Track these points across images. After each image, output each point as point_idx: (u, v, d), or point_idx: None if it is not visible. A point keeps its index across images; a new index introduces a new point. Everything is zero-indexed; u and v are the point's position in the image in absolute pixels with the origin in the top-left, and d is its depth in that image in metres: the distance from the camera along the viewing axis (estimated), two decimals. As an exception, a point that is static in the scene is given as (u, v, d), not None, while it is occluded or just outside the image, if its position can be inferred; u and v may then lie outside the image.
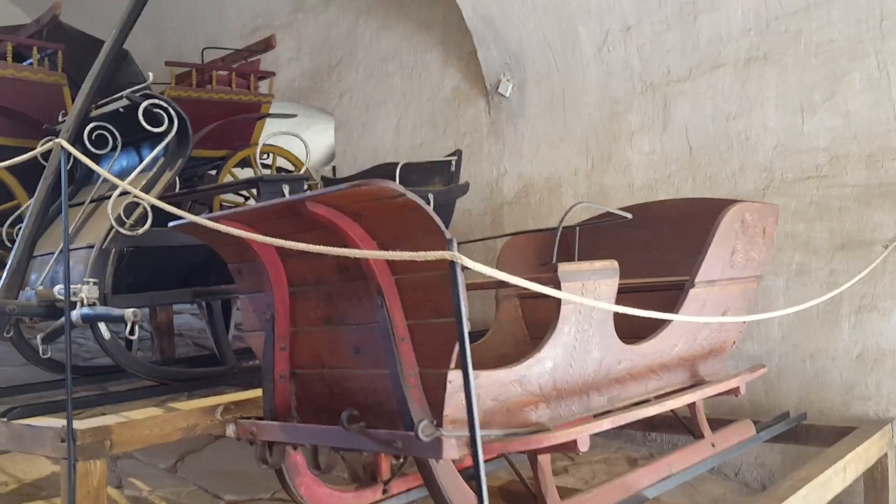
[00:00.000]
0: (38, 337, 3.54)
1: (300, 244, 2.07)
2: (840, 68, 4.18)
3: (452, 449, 2.15)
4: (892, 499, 3.82)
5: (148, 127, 3.65)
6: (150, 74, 3.79)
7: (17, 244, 3.72)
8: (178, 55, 8.03)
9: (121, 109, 3.82)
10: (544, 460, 2.63)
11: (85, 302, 3.26)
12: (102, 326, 3.35)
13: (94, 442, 2.79)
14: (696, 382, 3.36)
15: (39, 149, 2.97)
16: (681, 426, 3.57)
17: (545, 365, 2.57)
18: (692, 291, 3.14)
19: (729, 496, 4.34)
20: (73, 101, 5.33)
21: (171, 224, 2.65)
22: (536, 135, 5.53)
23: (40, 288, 3.66)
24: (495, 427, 2.44)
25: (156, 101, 3.67)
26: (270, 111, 6.63)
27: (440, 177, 5.02)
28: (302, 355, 2.69)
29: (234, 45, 7.39)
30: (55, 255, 3.77)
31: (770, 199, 4.34)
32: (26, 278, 3.79)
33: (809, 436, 4.04)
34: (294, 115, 6.72)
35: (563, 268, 2.54)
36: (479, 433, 1.74)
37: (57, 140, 2.77)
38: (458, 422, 2.31)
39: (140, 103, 3.65)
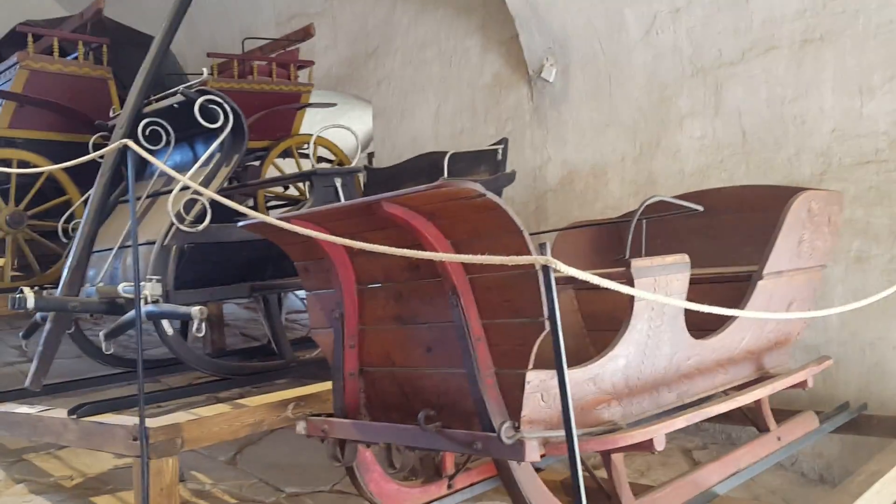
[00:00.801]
0: (101, 333, 3.58)
1: (381, 247, 2.05)
2: (901, 49, 4.07)
3: (534, 450, 2.14)
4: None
5: (204, 123, 3.65)
6: (205, 70, 3.79)
7: (76, 241, 3.76)
8: (213, 46, 8.03)
9: (175, 105, 3.82)
10: (618, 459, 2.61)
11: (149, 299, 3.28)
12: (166, 323, 3.37)
13: (166, 439, 2.82)
14: (762, 375, 3.32)
15: (109, 148, 2.97)
16: (743, 418, 3.52)
17: (618, 362, 2.54)
18: (760, 283, 3.08)
19: (787, 487, 4.29)
20: (118, 95, 5.37)
21: (240, 223, 2.65)
22: (581, 120, 5.47)
23: (101, 285, 3.69)
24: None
25: (212, 96, 3.66)
26: (310, 100, 6.62)
27: (486, 165, 4.98)
28: (371, 353, 2.69)
29: (269, 35, 7.38)
30: (114, 251, 3.80)
31: (827, 184, 4.25)
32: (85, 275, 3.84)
33: (871, 426, 3.97)
34: (334, 105, 6.72)
35: (636, 263, 2.51)
36: (575, 435, 1.73)
37: (124, 140, 2.77)
38: (536, 422, 2.30)
39: (196, 99, 3.65)
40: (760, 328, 3.21)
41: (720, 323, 3.05)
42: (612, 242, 4.32)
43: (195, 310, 3.03)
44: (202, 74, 5.90)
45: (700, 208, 3.17)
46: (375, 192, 4.52)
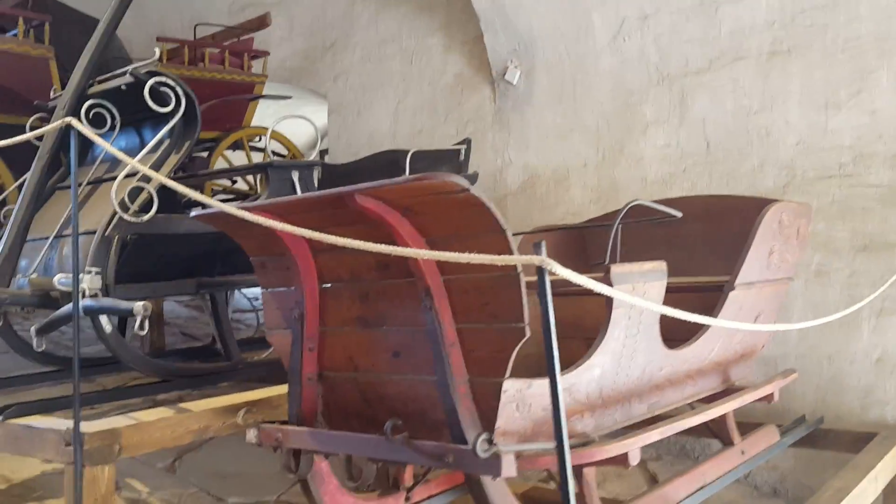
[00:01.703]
0: (32, 329, 3.31)
1: (357, 242, 1.89)
2: (867, 65, 4.08)
3: (511, 465, 2.00)
4: (915, 507, 3.75)
5: (154, 106, 3.41)
6: (157, 50, 3.56)
7: (8, 229, 3.49)
8: (162, 31, 7.70)
9: (123, 87, 3.57)
10: (589, 473, 2.49)
11: (87, 293, 3.04)
12: (104, 319, 3.13)
13: (103, 445, 2.60)
14: (728, 387, 3.26)
15: (50, 127, 2.73)
16: (704, 430, 3.45)
17: (593, 372, 2.43)
18: (732, 294, 3.01)
19: (741, 500, 4.26)
20: (59, 76, 5.06)
21: (194, 213, 2.45)
22: (544, 124, 5.37)
23: (34, 276, 3.43)
24: (545, 438, 2.29)
25: (163, 78, 3.43)
26: (264, 92, 6.39)
27: (448, 165, 4.84)
28: (332, 357, 2.51)
29: (222, 23, 7.11)
30: (49, 240, 3.53)
31: (790, 197, 4.24)
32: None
33: (828, 440, 3.95)
34: (289, 97, 6.51)
35: (615, 269, 2.40)
36: (567, 452, 1.59)
37: (68, 119, 2.54)
38: (510, 434, 2.16)
39: (146, 81, 3.41)
40: (729, 339, 3.14)
41: (689, 334, 2.97)
42: (576, 248, 4.23)
43: (138, 305, 2.80)
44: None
45: (679, 214, 3.10)
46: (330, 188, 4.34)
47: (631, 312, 2.48)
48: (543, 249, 1.60)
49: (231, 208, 2.22)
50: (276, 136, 6.33)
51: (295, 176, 3.85)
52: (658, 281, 2.57)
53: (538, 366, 2.40)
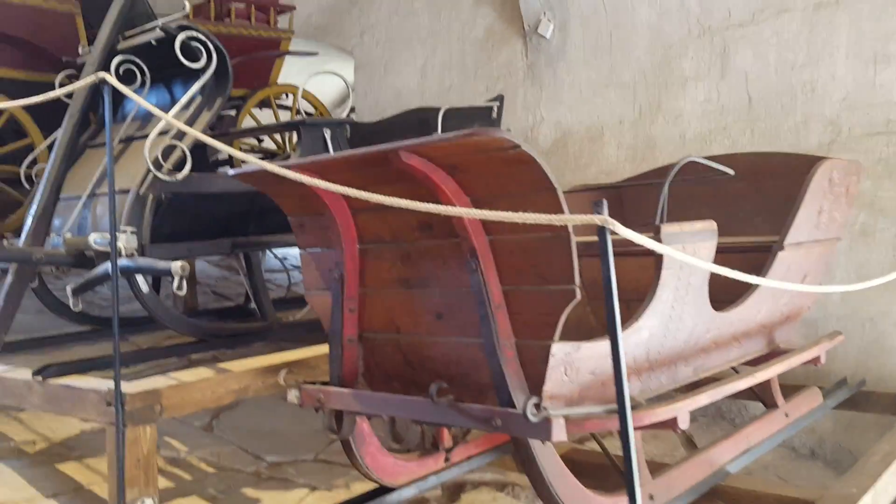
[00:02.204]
0: (69, 288, 3.30)
1: (404, 201, 1.82)
2: (921, 16, 3.91)
3: (561, 429, 1.95)
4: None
5: (185, 62, 3.35)
6: (187, 3, 3.47)
7: (41, 187, 3.46)
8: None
9: (153, 42, 3.50)
10: (636, 436, 2.44)
11: (124, 253, 3.01)
12: (140, 279, 3.11)
13: (144, 406, 2.59)
14: (773, 350, 3.18)
15: (81, 83, 2.67)
16: (747, 393, 3.39)
17: (641, 335, 2.37)
18: (781, 254, 2.92)
19: (779, 463, 4.21)
20: (86, 32, 5.00)
21: (232, 172, 2.40)
22: (578, 80, 5.24)
23: (68, 235, 3.41)
24: (590, 401, 2.24)
25: (194, 33, 3.36)
26: (290, 48, 6.30)
27: (480, 123, 4.74)
28: (372, 318, 2.47)
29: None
30: (83, 199, 3.51)
31: (835, 154, 4.10)
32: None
33: (869, 403, 3.88)
34: (316, 53, 6.41)
35: (666, 229, 2.32)
36: (629, 415, 1.55)
37: (101, 74, 2.48)
38: (557, 398, 2.11)
39: (176, 35, 3.34)
40: (776, 301, 3.06)
41: (734, 297, 2.89)
42: (614, 208, 4.13)
43: (176, 265, 2.77)
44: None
45: (732, 172, 2.99)
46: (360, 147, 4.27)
47: (680, 273, 2.40)
48: (605, 208, 1.53)
49: (271, 165, 2.16)
50: (304, 94, 6.24)
51: (327, 134, 3.79)
52: (709, 241, 2.49)
53: (576, 328, 2.35)
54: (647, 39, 4.88)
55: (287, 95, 6.45)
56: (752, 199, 3.64)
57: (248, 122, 6.01)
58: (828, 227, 3.22)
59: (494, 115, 4.72)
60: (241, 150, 5.97)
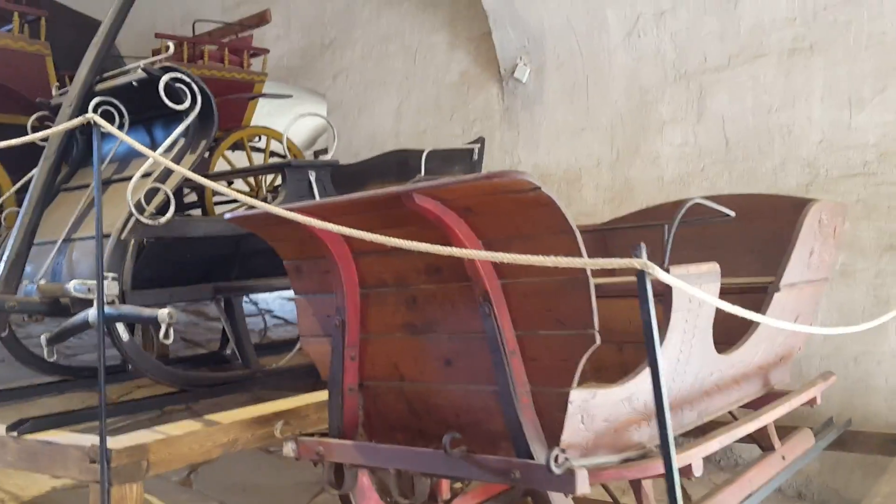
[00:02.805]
0: (43, 337, 3.15)
1: (424, 245, 1.77)
2: (893, 62, 4.02)
3: (585, 481, 1.88)
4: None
5: (170, 103, 3.27)
6: (171, 45, 3.40)
7: (14, 232, 3.32)
8: (152, 30, 7.52)
9: (134, 83, 3.42)
10: (648, 485, 2.38)
11: (105, 300, 2.88)
12: (120, 327, 2.98)
13: (131, 462, 2.45)
14: (768, 391, 3.17)
15: (68, 124, 2.57)
16: (746, 436, 3.36)
17: (651, 380, 2.32)
18: (777, 295, 2.92)
19: (769, 504, 4.16)
20: (55, 73, 4.89)
21: (230, 215, 2.32)
22: (555, 123, 5.27)
23: (43, 282, 3.26)
24: (604, 449, 2.19)
25: (178, 74, 3.29)
26: (263, 91, 6.23)
27: (461, 165, 4.73)
28: (374, 366, 2.39)
29: (216, 20, 6.93)
30: (58, 244, 3.37)
31: (813, 195, 4.16)
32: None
33: (856, 443, 3.88)
34: (290, 96, 6.35)
35: (675, 271, 2.29)
36: (675, 465, 1.48)
37: (89, 115, 2.39)
38: (573, 447, 2.05)
39: (160, 76, 3.26)
40: (772, 342, 3.06)
41: (729, 339, 2.87)
42: (596, 250, 4.12)
43: (163, 313, 2.66)
44: (146, 57, 5.42)
45: (733, 214, 3.00)
46: (339, 190, 4.20)
47: (688, 316, 2.38)
48: (644, 252, 1.49)
49: (276, 209, 2.09)
50: (278, 136, 6.17)
51: (312, 176, 3.72)
52: (713, 283, 2.47)
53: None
54: (623, 83, 4.94)
55: (260, 138, 6.36)
56: (738, 240, 3.66)
57: (221, 164, 5.90)
58: (818, 267, 3.24)
59: (476, 156, 4.71)
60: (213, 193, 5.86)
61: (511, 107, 5.52)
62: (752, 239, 3.60)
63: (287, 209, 2.08)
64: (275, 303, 6.95)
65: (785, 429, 3.52)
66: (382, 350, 2.36)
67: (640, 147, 4.89)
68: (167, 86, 3.28)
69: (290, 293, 6.00)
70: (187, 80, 3.31)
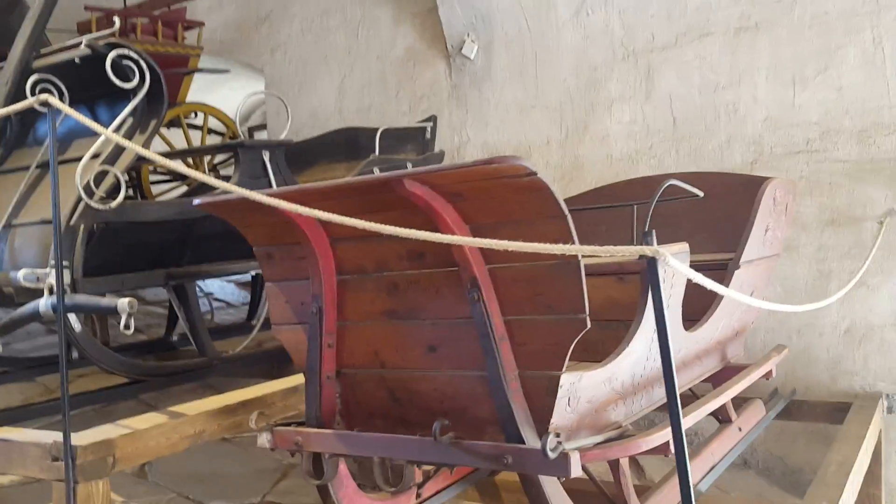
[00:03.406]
0: (-14, 329, 2.98)
1: (424, 233, 1.73)
2: (834, 41, 4.15)
3: (578, 464, 1.89)
4: (886, 471, 3.89)
5: (118, 82, 3.10)
6: (117, 20, 3.23)
7: (-50, 218, 3.11)
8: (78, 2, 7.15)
9: (77, 60, 3.23)
10: (625, 463, 2.42)
11: (54, 289, 2.74)
12: (72, 317, 2.83)
13: (96, 459, 2.34)
14: (725, 365, 3.26)
15: (21, 104, 2.41)
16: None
17: (629, 359, 2.35)
18: (737, 272, 2.99)
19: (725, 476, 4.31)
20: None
21: (197, 200, 2.22)
22: (504, 101, 5.26)
23: (-16, 271, 3.08)
24: (585, 430, 2.21)
25: (126, 51, 3.12)
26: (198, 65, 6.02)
27: (413, 144, 4.68)
28: (353, 353, 2.34)
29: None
30: (-3, 230, 3.19)
31: (758, 172, 4.28)
32: (-41, 258, 3.19)
33: (801, 412, 4.06)
34: (227, 71, 6.16)
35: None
36: (685, 446, 1.50)
37: (44, 96, 2.24)
38: (560, 429, 2.06)
39: (106, 53, 3.09)
40: (730, 318, 3.14)
41: (690, 316, 2.94)
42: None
43: (123, 302, 2.54)
44: (70, 31, 5.18)
45: (702, 194, 3.05)
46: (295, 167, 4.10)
47: (663, 296, 2.40)
48: (654, 239, 1.49)
49: (253, 194, 2.00)
50: (215, 113, 5.98)
51: (266, 155, 3.61)
52: (684, 262, 2.51)
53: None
54: (572, 61, 4.96)
55: (195, 114, 6.15)
56: (691, 219, 3.73)
57: (157, 143, 5.68)
58: (772, 244, 3.34)
59: (428, 135, 4.66)
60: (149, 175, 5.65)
61: (459, 84, 5.48)
62: (704, 217, 3.67)
63: (267, 194, 2.00)
64: (214, 285, 6.77)
65: (736, 400, 3.64)
66: (361, 337, 2.31)
67: (589, 125, 4.92)
68: (113, 63, 3.11)
69: (238, 277, 5.84)
70: (135, 56, 3.14)
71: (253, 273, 3.88)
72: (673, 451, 1.57)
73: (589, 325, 1.93)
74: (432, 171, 1.85)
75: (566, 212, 1.87)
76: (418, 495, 2.79)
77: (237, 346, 3.81)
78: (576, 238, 1.89)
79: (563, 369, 1.97)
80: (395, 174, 1.87)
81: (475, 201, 1.96)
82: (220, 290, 6.69)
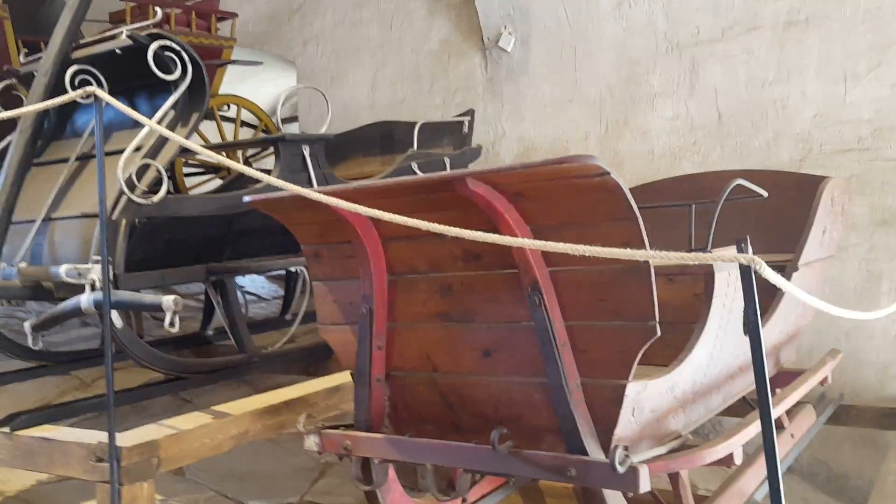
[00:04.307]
0: (27, 324, 2.95)
1: (491, 235, 1.65)
2: (888, 37, 4.01)
3: (647, 478, 1.81)
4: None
5: (160, 74, 3.05)
6: (158, 10, 3.17)
7: (-10, 212, 3.08)
8: (108, -9, 7.13)
9: (117, 51, 3.18)
10: (685, 474, 2.33)
11: (97, 285, 2.70)
12: (114, 313, 2.78)
13: (141, 460, 2.29)
14: (779, 370, 3.16)
15: (65, 97, 2.36)
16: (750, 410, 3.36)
17: (691, 366, 2.26)
18: (795, 274, 2.89)
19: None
20: (15, 38, 4.59)
21: (248, 199, 2.16)
22: (542, 95, 5.16)
23: (23, 265, 3.05)
24: (647, 440, 2.12)
25: (168, 42, 3.06)
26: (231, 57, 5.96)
27: (449, 138, 4.60)
28: (403, 356, 2.27)
29: (178, -16, 6.59)
30: (37, 224, 3.15)
31: (806, 171, 4.16)
32: (-2, 252, 3.16)
33: (849, 417, 3.93)
34: (261, 63, 6.09)
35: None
36: (779, 463, 1.42)
37: (91, 88, 2.19)
38: (623, 441, 1.98)
39: (147, 44, 3.04)
40: (786, 321, 3.04)
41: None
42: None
43: (168, 300, 2.49)
44: (102, 21, 5.12)
45: (766, 194, 2.95)
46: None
47: (725, 301, 2.32)
48: (749, 246, 1.40)
49: (308, 192, 1.94)
50: (249, 105, 5.92)
51: (306, 150, 3.55)
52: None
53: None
54: (613, 55, 4.85)
55: (228, 106, 6.10)
56: (743, 219, 3.62)
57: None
58: (828, 245, 3.23)
59: (465, 129, 4.58)
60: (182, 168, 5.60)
61: (495, 77, 5.38)
62: (756, 217, 3.56)
63: (321, 192, 1.93)
64: (245, 278, 6.73)
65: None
66: (412, 339, 2.25)
67: (629, 120, 4.82)
68: (155, 54, 3.05)
69: (275, 273, 5.76)
70: (177, 48, 3.08)
71: (293, 268, 3.82)
72: (765, 462, 1.49)
73: (659, 332, 1.85)
74: (497, 170, 1.77)
75: (637, 214, 1.79)
76: (463, 500, 2.73)
77: (271, 340, 3.76)
78: (646, 241, 1.81)
79: (630, 378, 1.89)
80: (457, 173, 1.80)
81: (538, 202, 1.88)
82: (251, 284, 6.65)
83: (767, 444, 1.44)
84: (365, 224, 2.15)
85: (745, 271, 1.41)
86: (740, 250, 1.45)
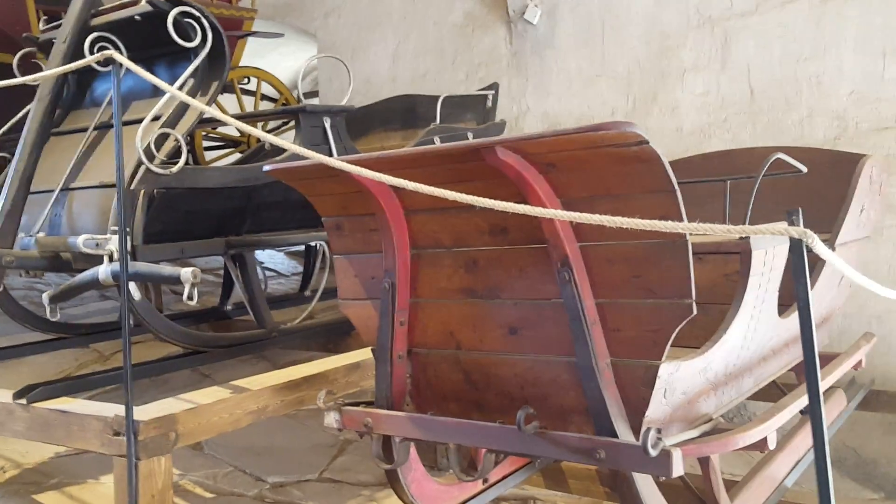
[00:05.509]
0: (45, 296, 2.91)
1: (522, 206, 1.57)
2: (932, 10, 3.86)
3: (680, 462, 1.74)
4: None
5: (179, 41, 2.98)
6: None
7: (8, 181, 3.04)
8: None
9: (137, 17, 3.12)
10: (716, 458, 2.26)
11: (114, 256, 2.65)
12: (133, 285, 2.74)
13: (159, 435, 2.25)
14: (811, 354, 3.06)
15: (80, 63, 2.30)
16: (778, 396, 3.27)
17: (724, 347, 2.18)
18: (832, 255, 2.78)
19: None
20: (36, 8, 4.54)
21: (268, 168, 2.09)
22: (568, 69, 5.04)
23: (41, 235, 3.01)
24: (678, 423, 2.05)
25: (187, 8, 2.99)
26: (252, 29, 5.89)
27: (473, 113, 4.50)
28: (426, 332, 2.21)
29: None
30: (55, 194, 3.11)
31: (842, 149, 4.03)
32: (17, 222, 3.12)
33: (880, 402, 3.83)
34: (282, 35, 6.02)
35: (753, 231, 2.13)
36: (827, 442, 1.35)
37: (109, 52, 2.12)
38: (654, 423, 1.90)
39: (167, 11, 2.97)
40: (821, 304, 2.94)
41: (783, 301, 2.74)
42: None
43: (186, 272, 2.43)
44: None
45: (805, 169, 2.85)
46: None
47: (762, 280, 2.23)
48: (800, 218, 1.32)
49: (332, 160, 1.87)
50: (269, 78, 5.86)
51: (327, 122, 3.47)
52: (783, 244, 2.32)
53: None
54: (642, 28, 4.72)
55: (248, 79, 6.04)
56: (777, 196, 3.51)
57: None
58: (865, 225, 3.12)
59: (489, 104, 4.48)
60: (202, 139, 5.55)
61: (520, 51, 5.27)
62: (791, 194, 3.44)
63: (344, 161, 1.86)
64: (263, 253, 6.70)
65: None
66: (435, 315, 2.18)
67: (658, 96, 4.69)
68: (174, 21, 2.98)
69: (293, 248, 5.71)
70: (197, 14, 3.01)
71: (312, 243, 3.76)
72: (813, 450, 1.41)
73: (695, 311, 1.77)
74: (528, 138, 1.69)
75: (676, 186, 1.70)
76: (485, 480, 2.67)
77: (290, 317, 3.72)
78: (684, 214, 1.72)
79: (663, 359, 1.81)
80: (487, 141, 1.72)
81: (569, 173, 1.79)
82: (270, 260, 6.62)
83: (816, 428, 1.36)
84: (388, 195, 2.08)
85: (797, 245, 1.32)
86: (791, 223, 1.36)
